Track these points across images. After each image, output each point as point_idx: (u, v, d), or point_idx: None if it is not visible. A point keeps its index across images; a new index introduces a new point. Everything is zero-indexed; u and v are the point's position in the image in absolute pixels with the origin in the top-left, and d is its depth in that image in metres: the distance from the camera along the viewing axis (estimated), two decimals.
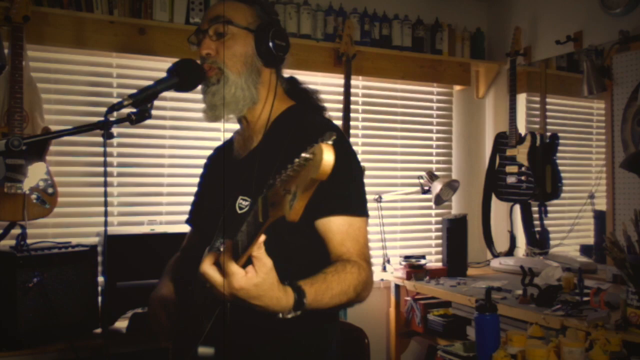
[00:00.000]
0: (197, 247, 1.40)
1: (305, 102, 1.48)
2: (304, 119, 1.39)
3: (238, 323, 1.23)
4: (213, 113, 1.39)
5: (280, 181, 0.88)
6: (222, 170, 1.55)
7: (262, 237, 0.98)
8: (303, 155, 0.84)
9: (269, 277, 1.03)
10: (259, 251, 1.00)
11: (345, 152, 1.35)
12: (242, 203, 1.35)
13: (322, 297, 1.14)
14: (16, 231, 2.46)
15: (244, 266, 1.03)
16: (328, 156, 0.82)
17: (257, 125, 1.45)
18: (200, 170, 1.68)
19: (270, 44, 1.39)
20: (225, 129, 1.56)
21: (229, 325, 1.23)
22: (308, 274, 1.16)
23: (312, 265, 1.21)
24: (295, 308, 1.09)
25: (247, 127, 1.47)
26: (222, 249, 1.05)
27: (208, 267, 1.06)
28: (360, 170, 1.42)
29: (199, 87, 1.40)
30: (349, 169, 1.35)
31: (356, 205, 1.32)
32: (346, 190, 1.31)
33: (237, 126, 1.52)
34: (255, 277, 1.02)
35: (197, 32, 1.43)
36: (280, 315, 1.08)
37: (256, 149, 1.43)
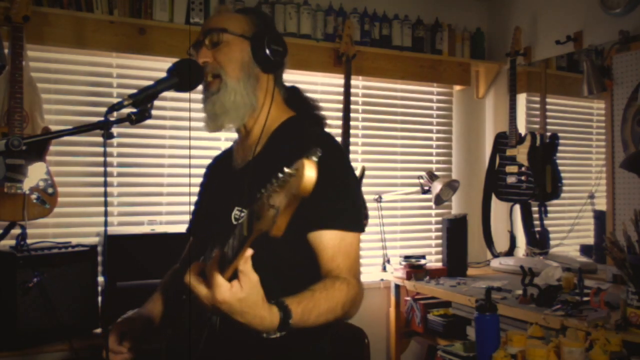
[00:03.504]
0: (195, 258, 1.39)
1: (306, 113, 1.48)
2: (303, 131, 1.39)
3: (226, 338, 1.22)
4: (214, 123, 1.40)
5: (266, 196, 0.87)
6: (220, 180, 1.54)
7: (249, 252, 0.96)
8: (287, 170, 0.84)
9: (253, 292, 1.01)
10: (245, 265, 0.98)
11: (340, 166, 1.35)
12: (238, 214, 1.34)
13: (309, 317, 1.13)
14: (16, 231, 2.46)
15: (230, 280, 1.00)
16: (310, 172, 0.81)
17: (255, 134, 1.44)
18: (198, 171, 1.68)
19: (267, 49, 1.39)
20: (226, 130, 1.55)
21: (216, 340, 1.22)
22: (297, 287, 1.14)
23: (301, 277, 1.20)
24: (280, 329, 1.07)
25: (245, 136, 1.47)
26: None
27: (192, 278, 1.04)
28: (358, 185, 1.41)
29: (199, 88, 1.41)
30: (345, 183, 1.33)
31: (349, 220, 1.31)
32: (340, 205, 1.29)
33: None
34: (240, 291, 0.99)
35: (195, 44, 1.44)
36: (264, 335, 1.06)
37: (252, 161, 1.42)
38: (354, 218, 1.33)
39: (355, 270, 1.30)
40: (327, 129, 1.46)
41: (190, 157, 3.03)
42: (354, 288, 1.24)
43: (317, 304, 1.14)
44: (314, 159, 0.83)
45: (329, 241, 1.27)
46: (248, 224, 0.92)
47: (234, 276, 1.00)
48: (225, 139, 2.86)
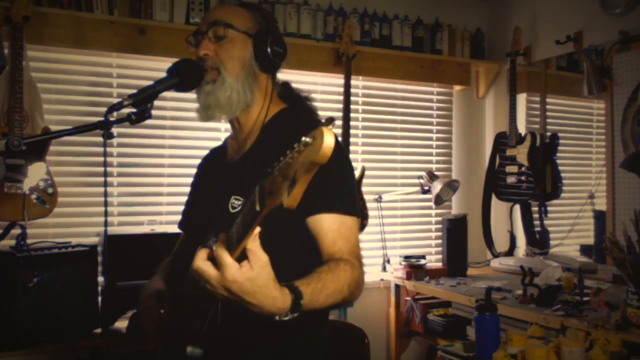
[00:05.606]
0: (190, 249, 1.40)
1: (298, 105, 1.49)
2: (296, 120, 1.40)
3: (225, 332, 1.22)
4: (206, 113, 1.40)
5: (278, 169, 0.87)
6: (214, 173, 1.55)
7: (257, 229, 0.96)
8: (303, 139, 0.84)
9: (264, 272, 1.00)
10: (253, 244, 0.98)
11: (338, 152, 1.36)
12: (235, 202, 1.35)
13: (318, 297, 1.13)
14: (16, 231, 2.46)
15: (238, 261, 1.00)
16: (329, 139, 0.81)
17: (250, 128, 1.45)
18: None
19: (269, 49, 1.40)
20: (226, 129, 1.56)
21: (215, 333, 1.22)
22: (299, 273, 1.14)
23: (303, 263, 1.21)
24: (293, 310, 1.07)
25: (239, 130, 1.47)
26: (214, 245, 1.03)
27: (201, 262, 1.03)
28: (352, 171, 1.42)
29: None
30: (342, 168, 1.35)
31: (348, 204, 1.32)
32: (338, 189, 1.31)
33: None
34: (250, 270, 0.99)
35: (196, 33, 1.43)
36: (277, 317, 1.06)
37: (249, 152, 1.43)
38: (351, 202, 1.33)
39: (356, 252, 1.30)
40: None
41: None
42: (357, 269, 1.25)
43: (325, 285, 1.15)
44: (331, 127, 0.83)
45: (329, 225, 1.28)
46: (260, 199, 0.92)
47: (242, 258, 1.00)
48: (225, 129, 2.85)
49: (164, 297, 1.46)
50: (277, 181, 0.87)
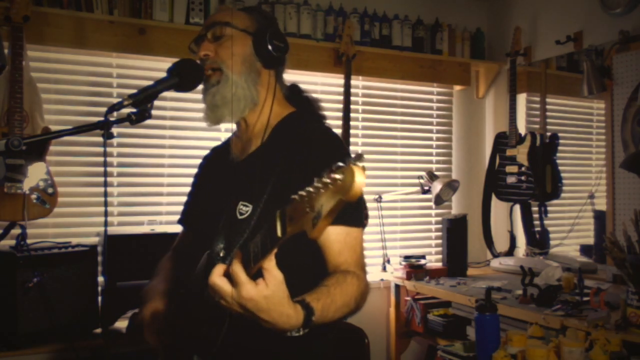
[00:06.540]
0: (192, 249, 1.39)
1: (306, 109, 1.49)
2: (305, 126, 1.40)
3: (233, 342, 1.23)
4: (214, 114, 1.40)
5: (301, 196, 0.87)
6: (217, 172, 1.55)
7: (274, 250, 0.97)
8: (333, 175, 0.82)
9: (279, 290, 1.01)
10: (269, 263, 0.99)
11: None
12: (243, 209, 1.35)
13: (327, 312, 1.14)
14: (16, 231, 2.46)
15: (254, 278, 1.01)
16: (360, 179, 0.81)
17: (256, 128, 1.45)
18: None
19: (269, 45, 1.40)
20: (226, 129, 1.56)
21: (222, 344, 1.22)
22: (304, 284, 1.15)
23: (307, 274, 1.21)
24: (304, 326, 1.07)
25: (245, 129, 1.47)
26: (224, 258, 1.03)
27: (218, 278, 1.04)
28: None
29: (200, 87, 1.41)
30: None
31: (354, 216, 1.33)
32: None
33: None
34: (266, 289, 1.00)
35: (197, 39, 1.45)
36: (288, 333, 1.07)
37: (255, 153, 1.43)
38: (357, 214, 1.34)
39: (362, 264, 1.32)
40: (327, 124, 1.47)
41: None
42: (363, 282, 1.27)
43: (334, 300, 1.16)
44: (361, 165, 0.82)
45: (335, 236, 1.28)
46: (281, 225, 0.92)
47: (257, 275, 1.01)
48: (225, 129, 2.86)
49: (164, 315, 1.45)
50: (299, 209, 0.87)
